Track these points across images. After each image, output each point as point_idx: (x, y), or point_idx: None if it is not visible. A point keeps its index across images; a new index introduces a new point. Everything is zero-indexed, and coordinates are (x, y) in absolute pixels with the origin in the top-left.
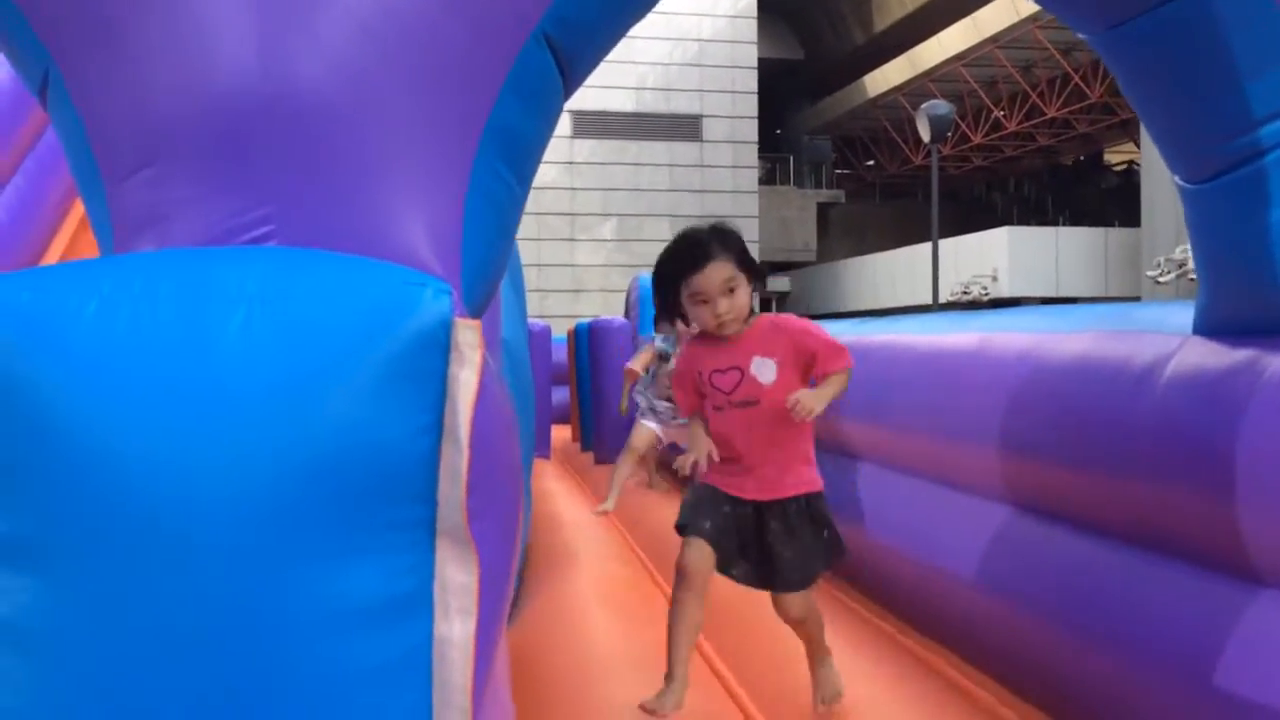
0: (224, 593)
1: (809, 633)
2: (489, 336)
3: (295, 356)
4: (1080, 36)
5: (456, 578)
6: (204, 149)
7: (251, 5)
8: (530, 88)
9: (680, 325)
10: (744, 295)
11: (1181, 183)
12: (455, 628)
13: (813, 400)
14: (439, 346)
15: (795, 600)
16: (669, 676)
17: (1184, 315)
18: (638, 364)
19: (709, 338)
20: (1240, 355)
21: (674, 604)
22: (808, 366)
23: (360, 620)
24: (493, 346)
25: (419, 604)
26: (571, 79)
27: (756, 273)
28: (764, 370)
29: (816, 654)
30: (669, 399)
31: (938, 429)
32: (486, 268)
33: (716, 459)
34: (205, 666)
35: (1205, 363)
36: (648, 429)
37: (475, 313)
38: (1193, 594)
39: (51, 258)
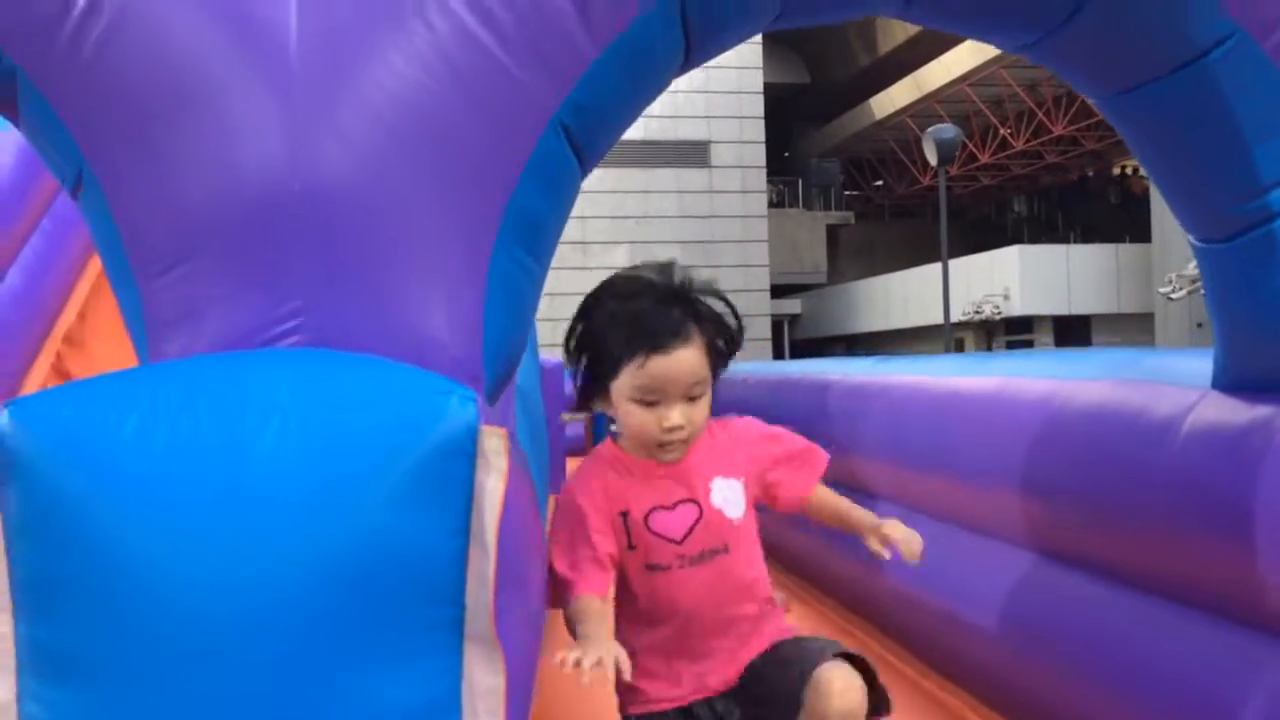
0: (263, 703)
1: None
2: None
3: (328, 466)
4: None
5: (484, 681)
6: (234, 246)
7: (278, 105)
8: (547, 174)
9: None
10: (706, 405)
11: (1195, 241)
12: None
13: (909, 533)
14: (465, 454)
15: (837, 676)
16: None
17: (1199, 364)
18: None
19: (630, 458)
20: (1258, 412)
21: None
22: (767, 482)
23: None
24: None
25: (448, 708)
26: (587, 162)
27: (724, 360)
28: (731, 498)
29: None
30: None
31: (958, 472)
32: (506, 349)
33: (627, 674)
34: None
35: (1224, 418)
36: None
37: (496, 390)
38: (1214, 646)
39: (69, 315)
